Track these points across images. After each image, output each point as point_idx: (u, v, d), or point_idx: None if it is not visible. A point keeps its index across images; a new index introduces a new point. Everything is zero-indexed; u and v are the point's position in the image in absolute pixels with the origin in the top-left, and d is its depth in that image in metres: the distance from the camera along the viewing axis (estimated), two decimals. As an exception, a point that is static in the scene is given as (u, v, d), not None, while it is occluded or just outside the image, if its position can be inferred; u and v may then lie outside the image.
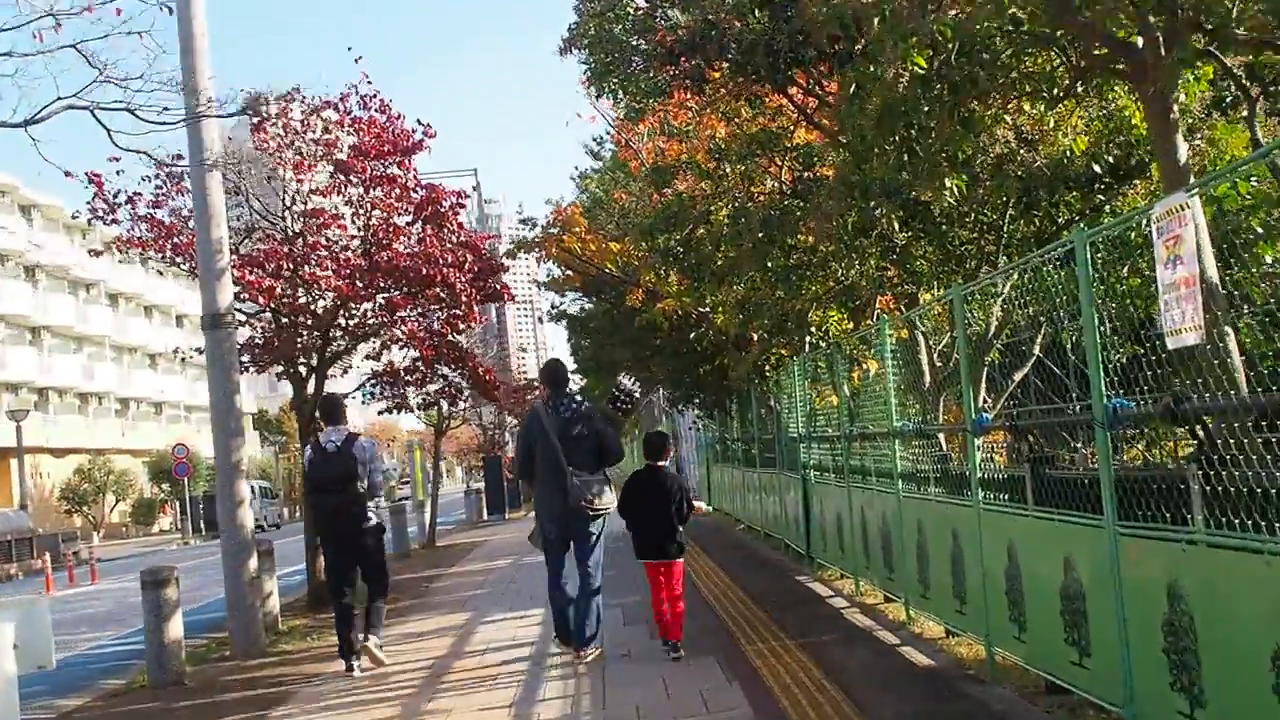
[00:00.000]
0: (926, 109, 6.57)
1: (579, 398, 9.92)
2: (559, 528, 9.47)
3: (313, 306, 15.10)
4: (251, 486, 55.04)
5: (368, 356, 17.56)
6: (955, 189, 7.28)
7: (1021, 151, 9.25)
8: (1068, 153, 8.87)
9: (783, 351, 13.14)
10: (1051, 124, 8.76)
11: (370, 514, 10.27)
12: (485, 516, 37.87)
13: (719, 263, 11.93)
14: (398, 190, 14.74)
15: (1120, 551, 5.66)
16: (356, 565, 10.34)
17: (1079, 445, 7.64)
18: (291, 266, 13.77)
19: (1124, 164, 8.40)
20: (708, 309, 14.65)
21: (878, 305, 12.38)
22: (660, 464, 9.64)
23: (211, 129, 12.34)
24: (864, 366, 11.66)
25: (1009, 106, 7.69)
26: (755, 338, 11.99)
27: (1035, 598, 6.79)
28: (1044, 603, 6.61)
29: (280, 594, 15.40)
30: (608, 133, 16.43)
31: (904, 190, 8.13)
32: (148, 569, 11.43)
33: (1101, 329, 5.80)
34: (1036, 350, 9.13)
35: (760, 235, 10.56)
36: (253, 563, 12.53)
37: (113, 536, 64.31)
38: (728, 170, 11.82)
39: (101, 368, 70.96)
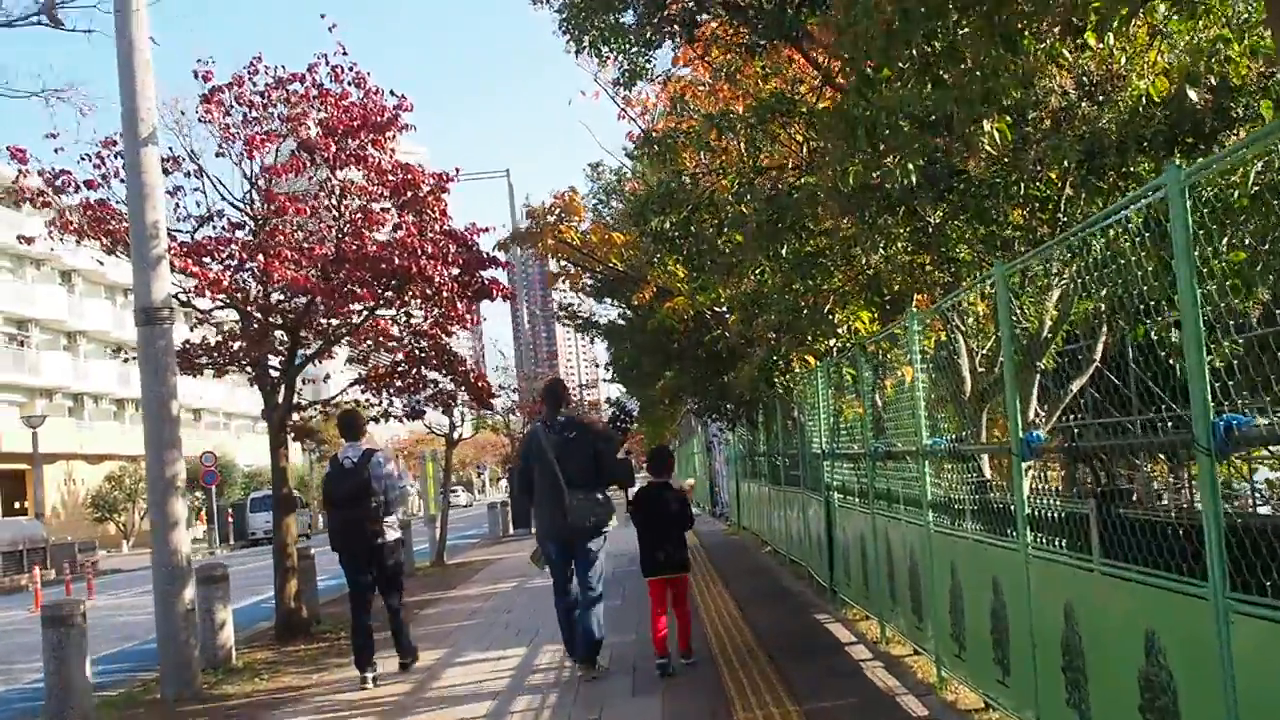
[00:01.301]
0: (956, 16, 4.85)
1: (578, 416, 10.26)
2: (558, 545, 9.60)
3: (281, 304, 13.53)
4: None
5: (350, 360, 15.98)
6: (996, 136, 5.55)
7: (1084, 105, 7.44)
8: (1142, 101, 7.05)
9: (799, 355, 11.33)
10: (1123, 61, 6.94)
11: (387, 529, 10.42)
12: (511, 531, 36.24)
13: (723, 250, 10.17)
14: (373, 174, 13.13)
15: (1232, 635, 3.89)
16: (373, 580, 10.51)
17: (1147, 472, 5.85)
18: (244, 256, 12.18)
19: (1218, 111, 6.55)
20: (724, 309, 12.92)
21: (914, 305, 10.56)
22: (664, 479, 9.88)
23: (148, 93, 10.79)
24: (899, 374, 9.88)
25: (1064, 31, 5.82)
26: (761, 338, 10.24)
27: (1103, 680, 5.01)
28: (1116, 690, 4.83)
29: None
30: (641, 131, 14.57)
31: (926, 130, 6.29)
32: (50, 604, 9.88)
33: (1205, 315, 4.04)
34: (1098, 351, 7.34)
35: (768, 215, 8.80)
36: (188, 593, 10.93)
37: (144, 545, 63.47)
38: (732, 142, 10.05)
39: (138, 373, 70.22)
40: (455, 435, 25.00)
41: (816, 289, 9.44)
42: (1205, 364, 3.99)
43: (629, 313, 20.50)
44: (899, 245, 8.21)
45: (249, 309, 12.98)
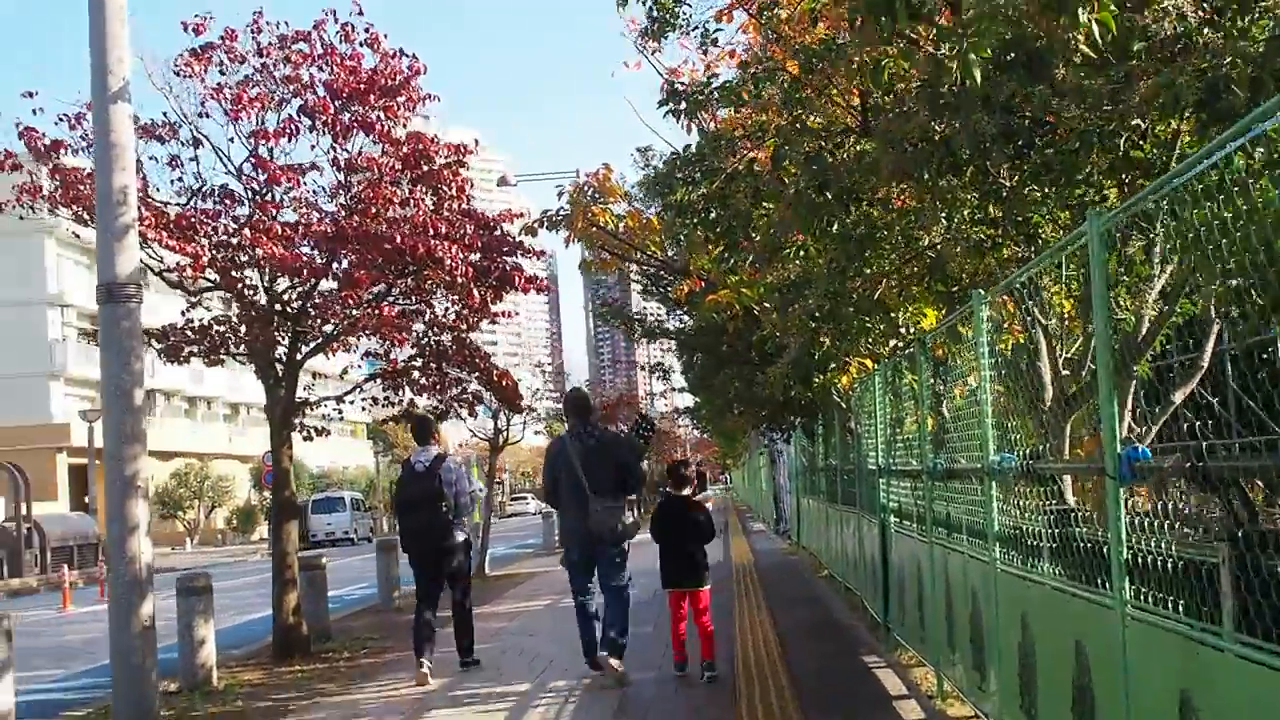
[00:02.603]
0: None
1: (602, 427, 10.73)
2: (581, 551, 9.84)
3: (282, 288, 12.25)
4: (342, 497, 53.75)
5: (368, 354, 14.67)
6: (1096, 30, 4.02)
7: (1205, 34, 5.84)
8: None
9: (857, 358, 9.75)
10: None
11: (456, 531, 10.79)
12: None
13: (759, 225, 8.58)
14: (385, 144, 11.78)
15: None
16: (440, 581, 10.86)
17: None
18: (231, 229, 10.88)
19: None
20: (768, 303, 11.35)
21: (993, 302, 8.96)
22: (684, 493, 9.95)
23: (120, 43, 9.56)
24: (962, 376, 8.30)
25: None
26: (796, 330, 8.66)
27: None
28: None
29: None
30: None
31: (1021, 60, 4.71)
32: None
33: None
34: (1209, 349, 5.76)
35: (810, 180, 7.24)
36: (146, 607, 9.60)
37: (208, 543, 63.31)
38: (774, 101, 8.43)
39: (211, 372, 70.41)
40: (501, 440, 23.68)
41: (867, 271, 7.85)
42: None
43: (681, 313, 19.01)
44: (965, 214, 6.62)
45: (242, 290, 11.69)
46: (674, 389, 49.33)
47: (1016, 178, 6.51)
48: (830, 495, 16.66)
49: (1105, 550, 4.51)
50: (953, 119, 6.22)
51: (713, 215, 8.93)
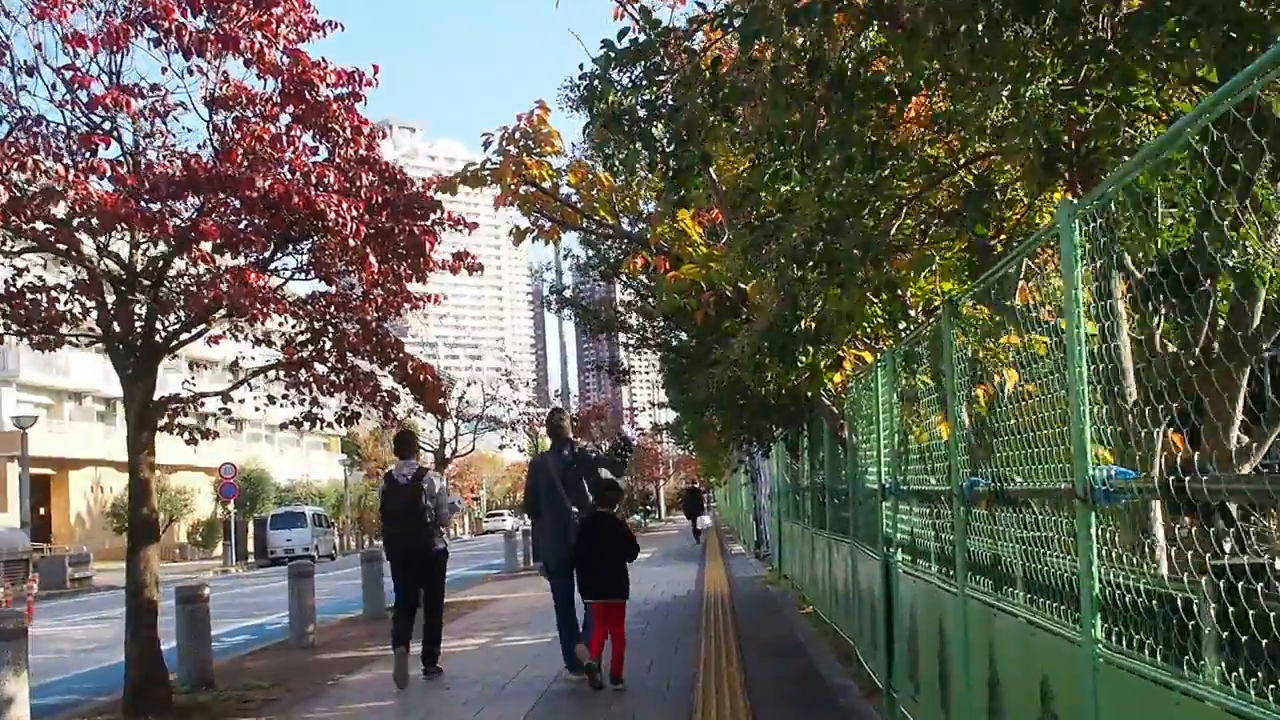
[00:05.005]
0: None
1: (582, 444, 11.86)
2: (559, 558, 10.48)
3: (127, 253, 9.73)
4: (303, 512, 51.24)
5: (258, 341, 12.15)
6: None
7: None
8: None
9: (850, 348, 7.27)
10: None
11: (437, 541, 11.36)
12: (531, 563, 32.06)
13: (720, 129, 6.07)
14: (259, 69, 9.26)
15: None
16: (420, 589, 11.32)
17: None
18: (44, 168, 8.32)
19: None
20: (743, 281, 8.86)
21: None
22: (608, 510, 10.47)
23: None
24: (998, 377, 5.84)
25: None
26: (770, 289, 6.19)
27: None
28: None
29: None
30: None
31: None
32: None
33: None
34: None
35: (795, 56, 4.80)
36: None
37: (165, 559, 60.38)
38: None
39: (176, 379, 67.62)
40: (448, 452, 21.14)
41: (864, 196, 5.33)
42: None
43: (648, 298, 16.42)
44: (1044, 82, 4.13)
45: (73, 252, 9.16)
46: (655, 404, 46.57)
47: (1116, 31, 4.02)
48: (817, 520, 14.12)
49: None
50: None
51: (656, 128, 6.42)
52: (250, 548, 58.08)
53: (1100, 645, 3.68)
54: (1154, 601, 3.36)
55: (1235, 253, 4.79)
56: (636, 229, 12.77)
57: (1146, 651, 3.35)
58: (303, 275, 11.04)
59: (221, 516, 63.81)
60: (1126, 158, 4.80)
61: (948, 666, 6.10)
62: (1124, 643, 3.51)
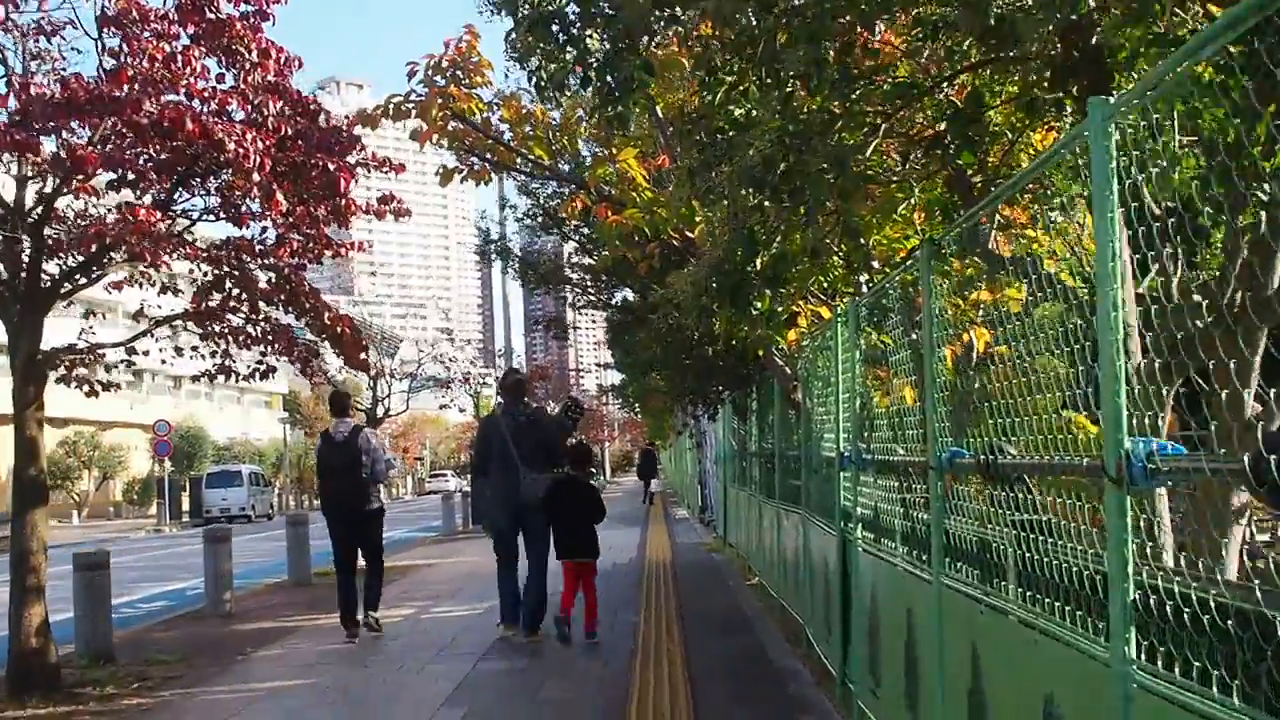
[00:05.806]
0: None
1: (534, 406, 12.36)
2: (510, 518, 10.72)
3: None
4: (240, 471, 50.03)
5: (165, 289, 11.14)
6: None
7: None
8: None
9: (804, 302, 6.44)
10: None
11: (373, 499, 11.57)
12: (470, 526, 31.15)
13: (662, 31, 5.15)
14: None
15: None
16: (358, 545, 11.56)
17: None
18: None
19: None
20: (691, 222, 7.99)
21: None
22: (579, 472, 10.99)
23: None
24: (969, 332, 5.10)
25: None
26: (721, 221, 5.34)
27: None
28: None
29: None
30: None
31: None
32: None
33: None
34: None
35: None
36: None
37: (99, 517, 59.04)
38: None
39: (111, 334, 65.67)
40: (380, 411, 20.18)
41: (843, 115, 4.47)
42: None
43: (590, 248, 15.52)
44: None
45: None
46: (600, 365, 45.79)
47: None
48: (766, 488, 13.38)
49: None
50: None
51: (590, 35, 5.52)
52: (186, 507, 56.59)
53: (1135, 667, 2.90)
54: (1217, 616, 2.58)
55: (1269, 185, 4.04)
56: (575, 171, 11.85)
57: (1207, 682, 2.57)
58: (212, 217, 10.05)
59: (157, 474, 62.29)
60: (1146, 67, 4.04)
61: (917, 666, 5.34)
62: (1171, 667, 2.73)
